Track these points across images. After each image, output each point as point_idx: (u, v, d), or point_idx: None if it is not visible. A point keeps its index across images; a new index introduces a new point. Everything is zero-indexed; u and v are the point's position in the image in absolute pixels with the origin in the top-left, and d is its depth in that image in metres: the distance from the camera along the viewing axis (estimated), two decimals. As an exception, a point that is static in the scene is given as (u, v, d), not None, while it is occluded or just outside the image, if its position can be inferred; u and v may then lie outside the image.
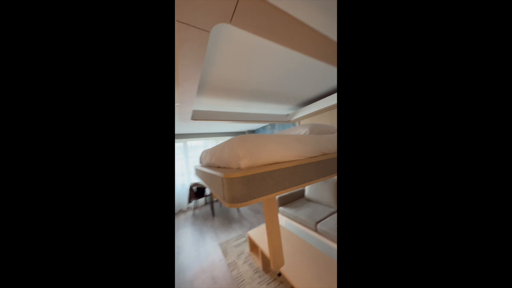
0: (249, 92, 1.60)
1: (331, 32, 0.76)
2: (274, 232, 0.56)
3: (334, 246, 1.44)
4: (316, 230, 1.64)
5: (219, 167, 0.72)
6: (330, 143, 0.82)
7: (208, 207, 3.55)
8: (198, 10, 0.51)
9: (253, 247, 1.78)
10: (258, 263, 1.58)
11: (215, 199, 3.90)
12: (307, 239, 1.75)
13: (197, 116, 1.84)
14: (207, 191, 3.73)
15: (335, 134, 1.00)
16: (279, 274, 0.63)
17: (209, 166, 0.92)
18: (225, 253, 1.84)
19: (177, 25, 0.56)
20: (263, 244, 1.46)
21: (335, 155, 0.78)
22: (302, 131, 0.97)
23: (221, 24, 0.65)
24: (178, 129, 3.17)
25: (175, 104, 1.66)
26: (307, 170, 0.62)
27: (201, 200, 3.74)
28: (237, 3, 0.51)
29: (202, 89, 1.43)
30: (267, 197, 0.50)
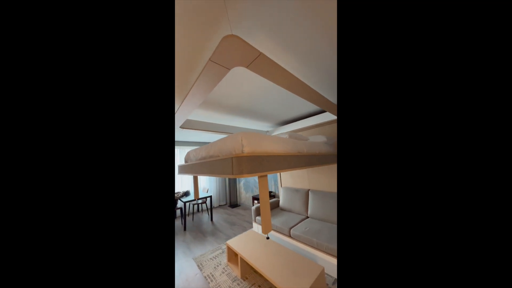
0: (235, 107, 1.84)
1: (319, 89, 1.12)
2: (265, 203, 0.76)
3: (305, 247, 1.68)
4: (289, 235, 1.85)
5: (218, 156, 0.90)
6: (303, 146, 1.19)
7: (177, 222, 3.27)
8: (230, 57, 0.74)
9: (231, 256, 1.81)
10: (237, 272, 1.62)
11: (189, 213, 3.61)
12: (282, 243, 1.93)
13: (187, 125, 1.91)
14: (179, 203, 3.47)
15: (307, 141, 1.37)
16: (268, 238, 0.85)
17: (204, 159, 1.07)
18: (200, 267, 1.78)
19: (208, 63, 0.76)
20: (244, 251, 1.54)
21: (306, 154, 1.17)
22: (283, 136, 1.27)
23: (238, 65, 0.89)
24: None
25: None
26: (288, 161, 0.96)
27: (170, 214, 3.41)
28: (255, 58, 0.76)
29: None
30: (263, 173, 0.74)
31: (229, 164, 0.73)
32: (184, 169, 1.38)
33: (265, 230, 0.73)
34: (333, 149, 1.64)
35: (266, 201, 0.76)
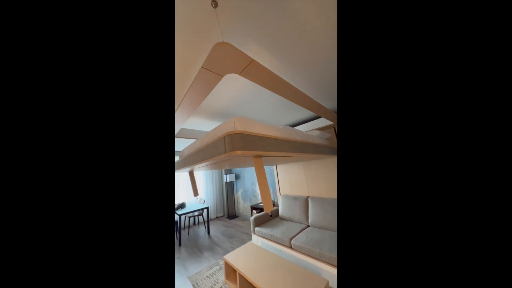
0: (229, 114, 1.84)
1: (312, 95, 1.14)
2: (263, 184, 0.77)
3: (307, 258, 1.58)
4: (290, 246, 1.76)
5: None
6: (296, 135, 1.19)
7: (172, 237, 3.08)
8: (223, 64, 0.74)
9: (229, 273, 1.68)
10: (235, 290, 1.49)
11: (184, 226, 3.43)
12: (283, 255, 1.82)
13: (182, 134, 1.88)
14: (175, 216, 3.30)
15: (301, 131, 1.37)
16: (271, 215, 0.84)
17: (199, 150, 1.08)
18: (196, 286, 1.64)
19: (201, 70, 0.76)
20: (243, 266, 1.44)
21: (300, 141, 1.15)
22: (280, 126, 1.31)
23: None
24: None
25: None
26: (282, 144, 0.95)
27: (164, 229, 3.22)
28: (247, 65, 0.77)
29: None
30: (256, 152, 0.74)
31: (222, 144, 0.72)
32: (178, 165, 1.39)
33: (267, 208, 0.75)
34: (326, 143, 1.64)
35: (264, 182, 0.77)
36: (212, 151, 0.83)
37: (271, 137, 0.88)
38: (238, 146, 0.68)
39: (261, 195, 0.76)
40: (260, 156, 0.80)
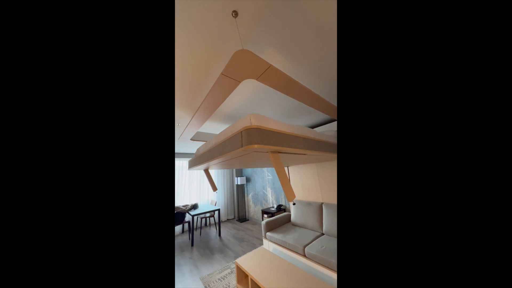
0: (230, 116, 1.87)
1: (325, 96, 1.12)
2: (283, 176, 0.78)
3: (322, 269, 1.51)
4: (304, 254, 1.69)
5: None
6: (310, 133, 1.18)
7: (185, 236, 3.17)
8: (241, 70, 0.76)
9: (241, 277, 1.67)
10: (247, 296, 1.47)
11: (196, 227, 3.51)
12: (296, 263, 1.76)
13: (197, 137, 1.95)
14: (187, 217, 3.41)
15: (315, 130, 1.34)
16: (294, 204, 0.84)
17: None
18: (208, 288, 1.65)
19: (220, 77, 0.79)
20: (255, 272, 1.42)
21: (314, 138, 1.14)
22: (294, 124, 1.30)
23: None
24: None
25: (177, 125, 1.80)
26: (296, 141, 0.95)
27: (177, 229, 3.34)
28: (265, 71, 0.78)
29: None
30: (272, 147, 0.75)
31: (239, 138, 0.74)
32: (194, 162, 1.44)
33: (290, 198, 0.76)
34: None
35: (283, 174, 0.78)
36: (228, 146, 0.85)
37: (286, 133, 0.88)
38: (255, 140, 0.70)
39: (283, 186, 0.78)
40: (277, 152, 0.81)
